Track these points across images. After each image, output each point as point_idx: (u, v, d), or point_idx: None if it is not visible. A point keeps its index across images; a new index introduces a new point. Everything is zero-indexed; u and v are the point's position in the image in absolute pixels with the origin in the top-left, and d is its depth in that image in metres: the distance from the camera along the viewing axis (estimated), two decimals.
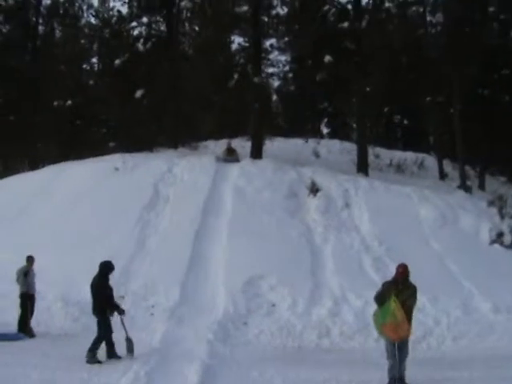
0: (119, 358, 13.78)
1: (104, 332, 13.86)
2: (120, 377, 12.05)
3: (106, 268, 14.34)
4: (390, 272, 19.06)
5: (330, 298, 18.33)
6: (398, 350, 11.81)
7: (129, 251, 21.04)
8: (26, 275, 16.86)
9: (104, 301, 13.97)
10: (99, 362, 13.49)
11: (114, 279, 18.99)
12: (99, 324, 13.98)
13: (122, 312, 14.26)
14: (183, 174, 26.95)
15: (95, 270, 18.52)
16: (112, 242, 21.28)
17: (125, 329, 14.23)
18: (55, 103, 40.28)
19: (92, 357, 13.53)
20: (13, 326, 16.54)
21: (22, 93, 41.07)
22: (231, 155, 31.21)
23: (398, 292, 11.81)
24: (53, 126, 41.54)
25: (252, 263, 19.81)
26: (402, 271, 12.10)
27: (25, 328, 16.41)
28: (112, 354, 13.84)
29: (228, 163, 29.33)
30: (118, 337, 14.08)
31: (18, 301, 16.82)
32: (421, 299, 17.77)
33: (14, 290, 17.15)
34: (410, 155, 41.33)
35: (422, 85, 37.93)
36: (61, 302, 18.03)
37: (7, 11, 44.22)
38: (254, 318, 17.47)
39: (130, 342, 14.07)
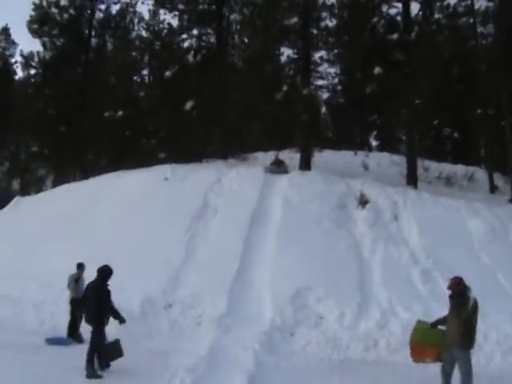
0: (97, 375, 12.93)
1: (97, 341, 13.26)
2: None
3: (105, 273, 13.58)
4: (438, 285, 18.99)
5: (378, 311, 18.22)
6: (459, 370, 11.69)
7: (178, 260, 21.21)
8: (76, 282, 17.14)
9: (100, 308, 13.26)
10: (99, 376, 12.89)
11: (162, 287, 19.37)
12: (93, 333, 13.37)
13: (122, 320, 13.67)
14: (232, 185, 27.04)
15: (146, 279, 18.80)
16: (161, 251, 21.51)
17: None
18: (106, 114, 40.81)
19: (91, 371, 12.94)
20: (63, 331, 16.83)
21: (74, 104, 41.83)
22: (279, 166, 31.18)
23: (455, 306, 11.68)
24: (104, 137, 42.11)
25: (300, 274, 19.80)
26: (449, 285, 11.90)
27: (74, 333, 16.66)
28: (90, 363, 13.08)
29: (276, 174, 29.31)
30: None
31: (68, 307, 17.12)
32: None
33: (65, 296, 17.48)
34: (459, 168, 40.92)
35: (472, 97, 37.50)
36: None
37: (62, 25, 45.17)
38: (300, 330, 17.46)
39: (112, 345, 13.63)
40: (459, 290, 11.77)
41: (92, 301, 13.29)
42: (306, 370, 14.29)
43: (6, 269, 21.34)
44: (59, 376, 12.51)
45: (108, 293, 13.49)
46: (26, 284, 20.09)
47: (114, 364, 13.52)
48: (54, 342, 16.22)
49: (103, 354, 13.38)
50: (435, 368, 12.48)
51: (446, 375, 11.71)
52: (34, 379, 12.00)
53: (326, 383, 12.92)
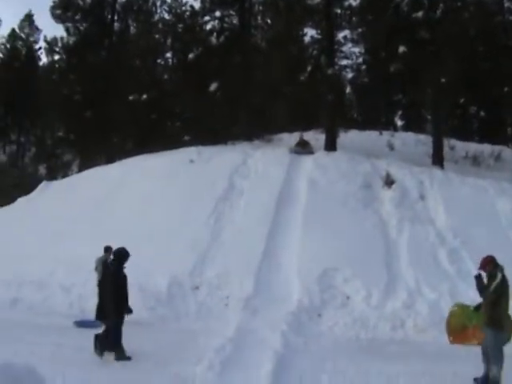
0: (126, 357, 12.68)
1: (118, 326, 12.83)
2: (194, 366, 12.14)
3: (121, 256, 13.08)
4: (466, 265, 18.93)
5: (405, 291, 18.21)
6: None
7: (204, 242, 21.35)
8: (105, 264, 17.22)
9: (118, 293, 12.75)
10: (128, 358, 12.67)
11: (189, 269, 19.50)
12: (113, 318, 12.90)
13: (129, 311, 13.22)
14: (257, 166, 27.11)
15: (172, 261, 18.83)
16: (187, 233, 21.69)
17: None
18: (131, 98, 40.96)
19: (120, 353, 12.71)
20: (91, 313, 16.95)
21: (98, 89, 41.97)
22: (305, 147, 31.08)
23: (477, 288, 11.67)
24: (129, 120, 42.28)
25: (326, 255, 19.82)
26: (479, 265, 11.83)
27: (102, 316, 16.64)
28: (118, 346, 12.76)
29: (301, 155, 29.24)
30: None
31: (95, 289, 17.24)
32: None
33: (92, 279, 17.61)
34: (486, 147, 40.41)
35: (499, 74, 37.01)
36: (137, 292, 18.33)
37: (85, 10, 45.26)
38: (328, 310, 17.51)
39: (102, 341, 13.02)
40: (487, 268, 11.70)
41: (109, 286, 12.94)
42: (333, 351, 14.30)
43: (34, 253, 21.62)
44: (87, 358, 12.62)
45: (125, 278, 13.02)
46: (54, 267, 20.34)
47: (142, 344, 13.67)
48: (82, 324, 16.36)
49: (102, 340, 13.03)
50: (465, 348, 12.49)
51: (486, 357, 11.61)
52: (61, 361, 12.08)
53: (354, 363, 12.89)
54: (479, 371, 11.53)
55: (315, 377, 11.81)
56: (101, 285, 16.99)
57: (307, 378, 11.70)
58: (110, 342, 12.87)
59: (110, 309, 12.86)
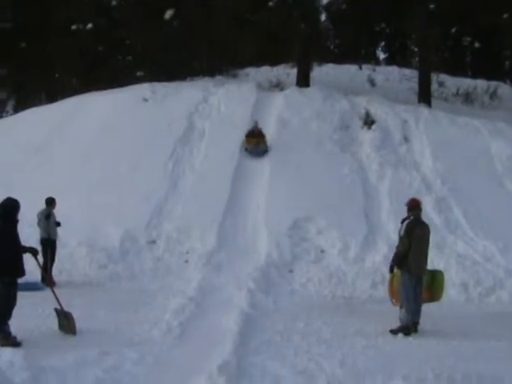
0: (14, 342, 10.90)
1: (5, 300, 11.23)
2: (151, 328, 12.27)
3: (12, 209, 11.62)
4: (454, 215, 19.24)
5: (386, 243, 18.42)
6: None
7: (160, 191, 21.47)
8: (47, 219, 17.11)
9: (16, 256, 11.29)
10: (18, 344, 10.88)
11: (144, 221, 19.60)
12: (6, 287, 11.30)
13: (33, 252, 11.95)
14: (220, 105, 27.04)
15: (125, 212, 18.80)
16: (141, 181, 21.75)
17: (56, 298, 12.33)
18: (74, 27, 40.29)
19: (4, 338, 10.98)
20: (32, 274, 16.82)
21: (34, 15, 41.12)
22: (257, 144, 24.54)
23: None
24: (72, 54, 41.66)
25: (298, 203, 20.05)
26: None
27: (44, 276, 16.36)
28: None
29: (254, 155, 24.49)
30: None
31: (38, 247, 17.13)
32: (490, 247, 17.89)
33: (34, 235, 17.39)
34: (480, 83, 40.62)
35: None
36: (85, 248, 18.39)
37: None
38: (300, 265, 17.79)
39: (65, 316, 12.03)
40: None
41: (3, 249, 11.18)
42: (307, 310, 14.54)
43: None
44: (36, 325, 12.32)
45: (17, 236, 11.49)
46: None
47: (93, 305, 13.85)
48: (23, 287, 16.08)
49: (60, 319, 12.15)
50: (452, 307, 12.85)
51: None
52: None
53: (329, 324, 13.07)
54: (462, 329, 12.17)
55: (286, 339, 11.99)
56: (44, 242, 16.95)
57: (277, 341, 11.87)
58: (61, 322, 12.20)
59: (6, 272, 11.32)
